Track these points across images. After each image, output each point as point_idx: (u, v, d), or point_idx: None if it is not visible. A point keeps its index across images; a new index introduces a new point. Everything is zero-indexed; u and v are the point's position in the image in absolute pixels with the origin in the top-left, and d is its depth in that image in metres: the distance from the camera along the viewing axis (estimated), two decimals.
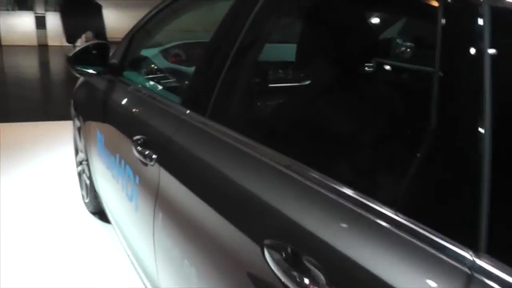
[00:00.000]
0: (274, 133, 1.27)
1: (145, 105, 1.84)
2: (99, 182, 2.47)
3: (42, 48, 11.98)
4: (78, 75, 2.14)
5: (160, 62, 2.47)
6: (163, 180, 1.46)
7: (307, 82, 1.28)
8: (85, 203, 3.06)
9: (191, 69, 2.18)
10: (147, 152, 1.54)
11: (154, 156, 1.51)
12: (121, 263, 2.44)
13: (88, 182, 2.83)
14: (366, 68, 1.39)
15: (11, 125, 4.77)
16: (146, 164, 1.57)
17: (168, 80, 2.20)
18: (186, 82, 2.05)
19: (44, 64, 10.34)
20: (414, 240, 0.73)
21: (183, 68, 2.42)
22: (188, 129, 1.44)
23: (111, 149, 2.07)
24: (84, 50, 2.15)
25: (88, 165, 2.70)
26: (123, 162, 1.86)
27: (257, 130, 1.33)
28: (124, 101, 2.03)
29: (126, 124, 1.90)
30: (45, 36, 12.30)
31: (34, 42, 12.18)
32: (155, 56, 2.49)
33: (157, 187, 1.49)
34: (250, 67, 1.41)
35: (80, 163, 3.05)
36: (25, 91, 6.95)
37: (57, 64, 10.25)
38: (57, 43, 12.13)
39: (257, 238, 0.98)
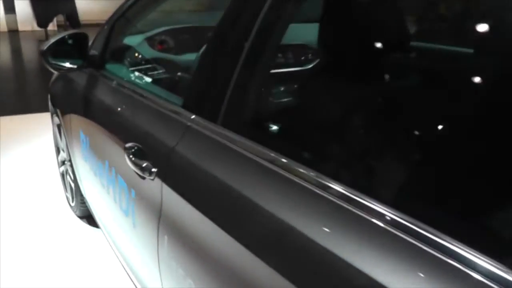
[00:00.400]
0: (310, 146, 1.02)
1: (135, 105, 1.58)
2: (86, 188, 2.22)
3: (12, 34, 11.39)
4: (53, 71, 1.84)
5: (147, 52, 2.16)
6: (166, 198, 1.23)
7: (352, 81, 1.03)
8: (70, 206, 2.80)
9: (186, 59, 1.91)
10: (144, 165, 1.30)
11: (153, 170, 1.27)
12: (116, 274, 2.21)
13: (73, 185, 2.58)
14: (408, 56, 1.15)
15: None
16: (143, 178, 1.33)
17: (160, 74, 1.92)
18: (182, 75, 1.78)
19: (16, 51, 9.82)
20: None
21: (176, 57, 2.13)
22: (195, 139, 1.19)
23: (98, 154, 1.81)
24: (59, 42, 1.86)
25: (71, 166, 2.44)
26: (113, 170, 1.62)
27: (285, 141, 1.09)
28: (109, 99, 1.77)
29: (114, 127, 1.64)
30: (15, 21, 11.70)
31: (3, 27, 11.57)
32: (140, 45, 2.19)
33: (160, 205, 1.26)
34: (274, 57, 1.15)
35: (62, 163, 2.79)
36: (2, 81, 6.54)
37: (30, 51, 9.73)
38: (28, 28, 11.56)
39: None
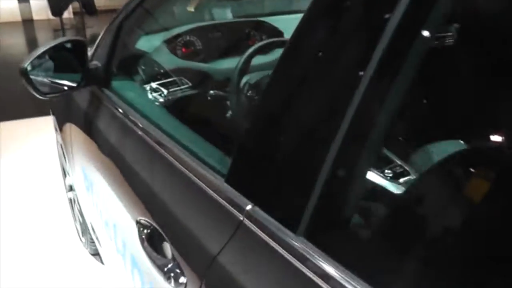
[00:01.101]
0: None
1: (148, 155, 1.07)
2: (95, 234, 1.74)
3: (27, 23, 10.99)
4: (41, 97, 1.34)
5: (167, 66, 1.59)
6: None
7: None
8: (81, 240, 2.35)
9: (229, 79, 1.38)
10: (167, 267, 0.81)
11: (183, 280, 0.78)
12: None
13: (81, 219, 2.12)
14: None
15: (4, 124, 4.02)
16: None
17: (187, 103, 1.38)
18: (224, 109, 1.23)
19: (31, 43, 9.44)
20: None
21: (215, 74, 1.56)
22: (253, 247, 0.68)
23: (104, 210, 1.33)
24: (47, 53, 1.36)
25: (77, 198, 1.98)
26: (123, 243, 1.14)
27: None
28: (113, 138, 1.25)
29: (120, 183, 1.14)
30: (29, 10, 11.32)
31: (17, 17, 11.20)
32: (158, 55, 1.65)
33: None
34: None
35: (70, 188, 2.32)
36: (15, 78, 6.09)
37: (45, 41, 9.35)
38: (43, 17, 11.17)
39: None
